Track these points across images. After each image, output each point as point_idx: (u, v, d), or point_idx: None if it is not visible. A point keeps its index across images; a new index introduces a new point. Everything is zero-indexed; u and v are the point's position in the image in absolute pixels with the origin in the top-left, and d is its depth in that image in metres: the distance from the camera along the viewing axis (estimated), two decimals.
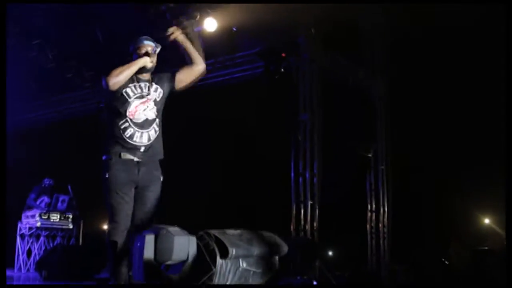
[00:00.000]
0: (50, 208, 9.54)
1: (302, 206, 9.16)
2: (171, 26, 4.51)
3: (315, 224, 9.12)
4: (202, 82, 9.95)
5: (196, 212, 8.70)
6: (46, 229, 9.60)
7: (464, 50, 10.64)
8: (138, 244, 3.67)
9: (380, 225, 10.59)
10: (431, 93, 11.11)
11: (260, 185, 10.36)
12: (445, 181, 11.66)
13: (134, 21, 8.49)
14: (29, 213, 9.56)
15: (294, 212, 9.15)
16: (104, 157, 4.15)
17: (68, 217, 9.66)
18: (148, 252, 3.64)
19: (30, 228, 9.55)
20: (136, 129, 4.16)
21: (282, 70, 9.31)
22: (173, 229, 3.79)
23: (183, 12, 7.89)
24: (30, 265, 9.48)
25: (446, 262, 12.24)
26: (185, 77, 4.41)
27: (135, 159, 4.13)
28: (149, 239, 3.67)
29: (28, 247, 9.58)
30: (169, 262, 3.69)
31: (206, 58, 10.24)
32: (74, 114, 11.79)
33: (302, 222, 9.08)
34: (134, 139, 4.15)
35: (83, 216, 10.05)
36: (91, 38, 9.58)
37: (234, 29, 8.58)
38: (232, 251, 4.13)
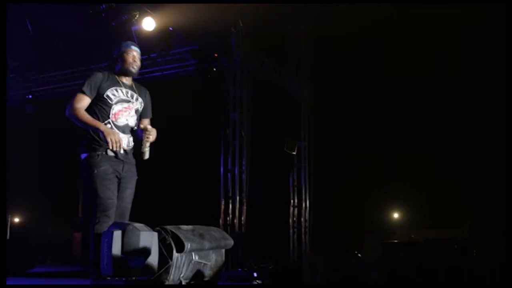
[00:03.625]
0: None
1: (230, 201, 9.55)
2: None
3: (243, 219, 9.53)
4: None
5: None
6: None
7: (380, 56, 11.41)
8: (106, 240, 3.86)
9: (302, 219, 11.20)
10: (352, 97, 11.82)
11: (189, 180, 10.60)
12: (361, 180, 12.43)
13: (69, 17, 8.54)
14: None
15: (223, 207, 9.53)
16: (85, 155, 4.14)
17: None
18: (116, 247, 3.84)
19: None
20: (118, 132, 4.20)
21: (214, 69, 9.61)
22: (139, 225, 4.00)
23: (123, 11, 8.00)
24: None
25: (360, 255, 13.03)
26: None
27: (119, 157, 4.21)
28: (117, 234, 3.87)
29: None
30: (135, 256, 3.91)
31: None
32: None
33: (230, 217, 9.46)
34: None
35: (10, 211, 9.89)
36: (21, 29, 9.46)
37: (171, 28, 8.77)
38: (188, 245, 4.33)
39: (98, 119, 4.19)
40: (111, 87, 4.28)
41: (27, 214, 14.21)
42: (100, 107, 4.22)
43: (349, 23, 9.80)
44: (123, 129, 4.28)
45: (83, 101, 4.19)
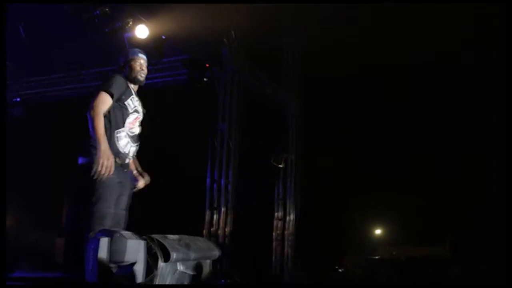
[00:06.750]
0: None
1: (215, 212, 9.53)
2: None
3: (227, 230, 9.50)
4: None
5: None
6: None
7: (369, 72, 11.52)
8: (92, 246, 3.85)
9: (286, 232, 11.19)
10: (340, 113, 11.90)
11: (175, 190, 10.56)
12: (346, 196, 12.50)
13: (62, 21, 8.53)
14: None
15: (207, 217, 9.50)
16: (88, 159, 4.04)
17: None
18: (102, 254, 3.83)
19: None
20: (129, 140, 4.21)
21: (205, 79, 9.62)
22: (126, 233, 3.99)
23: (116, 18, 8.01)
24: None
25: (340, 270, 13.11)
26: None
27: (124, 166, 4.21)
28: (104, 241, 3.86)
29: None
30: (121, 264, 3.90)
31: None
32: None
33: (215, 227, 9.43)
34: (125, 149, 4.19)
35: None
36: (11, 30, 9.42)
37: (163, 37, 8.79)
38: (173, 255, 4.34)
39: (110, 126, 4.10)
40: (130, 95, 4.24)
41: (7, 217, 14.06)
42: (117, 114, 4.14)
43: (343, 41, 9.88)
44: (134, 138, 4.27)
45: (107, 103, 4.06)
